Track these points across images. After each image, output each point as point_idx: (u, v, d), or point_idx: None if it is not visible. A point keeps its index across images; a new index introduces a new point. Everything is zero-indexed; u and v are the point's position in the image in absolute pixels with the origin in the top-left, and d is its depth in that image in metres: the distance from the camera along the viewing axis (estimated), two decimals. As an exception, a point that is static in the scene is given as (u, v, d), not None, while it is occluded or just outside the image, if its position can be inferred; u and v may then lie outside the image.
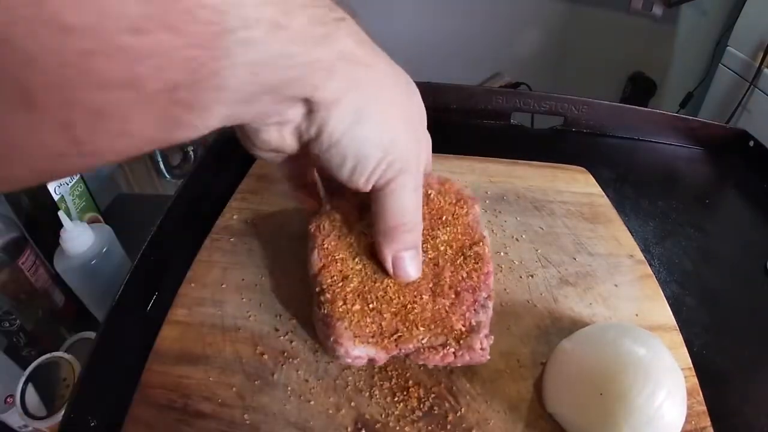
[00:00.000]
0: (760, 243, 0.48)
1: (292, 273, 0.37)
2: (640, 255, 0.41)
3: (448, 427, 0.29)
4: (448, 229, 0.34)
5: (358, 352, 0.28)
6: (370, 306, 0.30)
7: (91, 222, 0.66)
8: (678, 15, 1.17)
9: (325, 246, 0.32)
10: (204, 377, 0.31)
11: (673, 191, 0.54)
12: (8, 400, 0.51)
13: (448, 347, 0.29)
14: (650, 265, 0.41)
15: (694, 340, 0.37)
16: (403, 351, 0.29)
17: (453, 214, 0.34)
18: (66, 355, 0.50)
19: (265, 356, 0.32)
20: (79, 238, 0.50)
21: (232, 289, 0.36)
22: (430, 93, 0.61)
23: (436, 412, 0.30)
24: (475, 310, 0.31)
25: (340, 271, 0.31)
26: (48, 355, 0.50)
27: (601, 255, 0.41)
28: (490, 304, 0.31)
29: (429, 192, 0.35)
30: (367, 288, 0.30)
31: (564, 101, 0.59)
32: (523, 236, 0.42)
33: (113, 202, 0.82)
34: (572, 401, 0.28)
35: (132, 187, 1.07)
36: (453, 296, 0.31)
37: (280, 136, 0.25)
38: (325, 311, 0.29)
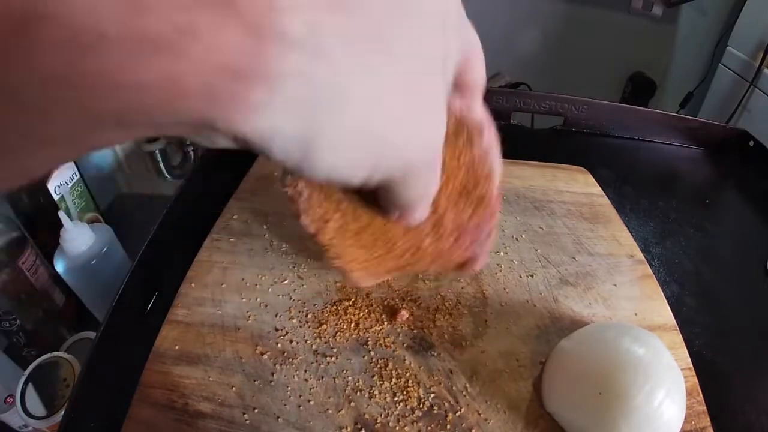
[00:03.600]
0: (760, 243, 0.48)
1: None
2: (640, 255, 0.41)
3: (448, 426, 0.29)
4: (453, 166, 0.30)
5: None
6: (374, 254, 0.30)
7: (91, 222, 0.66)
8: (678, 15, 1.17)
9: (311, 206, 0.29)
10: (204, 377, 0.31)
11: (673, 191, 0.54)
12: (8, 400, 0.51)
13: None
14: (650, 265, 0.41)
15: (694, 340, 0.37)
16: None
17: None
18: (66, 355, 0.50)
19: (265, 356, 0.32)
20: (79, 238, 0.50)
21: (232, 289, 0.36)
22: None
23: (435, 411, 0.30)
24: (475, 245, 0.30)
25: (336, 227, 0.29)
26: (48, 355, 0.50)
27: (601, 255, 0.41)
28: (492, 234, 0.31)
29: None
30: (365, 235, 0.29)
31: (564, 101, 0.59)
32: (523, 236, 0.42)
33: (113, 202, 0.82)
34: (571, 400, 0.28)
35: (132, 187, 1.07)
36: (453, 240, 0.30)
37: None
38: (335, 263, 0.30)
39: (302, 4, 0.14)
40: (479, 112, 0.28)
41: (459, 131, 0.28)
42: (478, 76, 0.24)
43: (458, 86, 0.24)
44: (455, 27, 0.20)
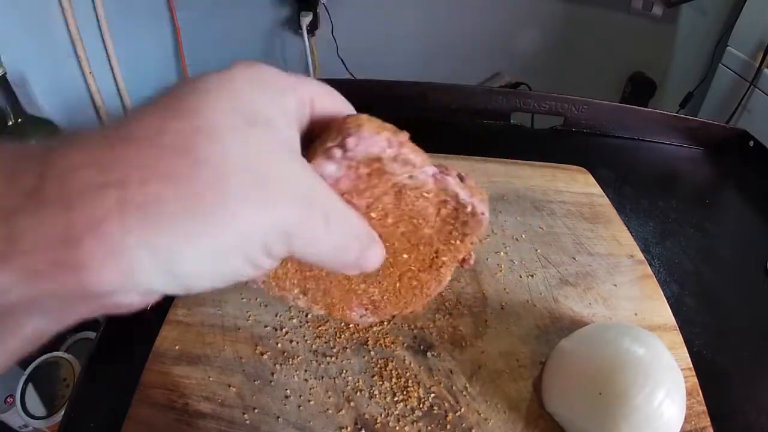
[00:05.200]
0: (760, 243, 0.48)
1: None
2: (640, 255, 0.41)
3: (448, 426, 0.29)
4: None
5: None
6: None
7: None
8: (678, 15, 1.17)
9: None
10: (204, 377, 0.31)
11: (673, 191, 0.54)
12: (8, 400, 0.51)
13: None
14: (650, 265, 0.41)
15: (694, 340, 0.37)
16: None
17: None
18: (66, 355, 0.50)
19: (265, 356, 0.32)
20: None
21: (232, 289, 0.36)
22: (430, 93, 0.62)
23: (435, 411, 0.30)
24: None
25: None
26: (48, 355, 0.50)
27: (601, 255, 0.41)
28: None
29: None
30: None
31: (564, 101, 0.59)
32: (523, 236, 0.42)
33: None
34: (571, 401, 0.28)
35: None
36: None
37: None
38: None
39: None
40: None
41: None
42: (337, 106, 0.23)
43: (324, 125, 0.23)
44: (279, 84, 0.20)
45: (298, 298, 0.30)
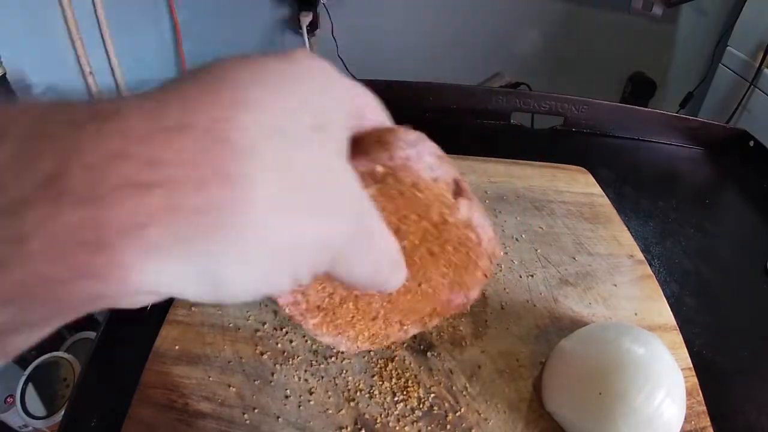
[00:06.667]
0: (760, 243, 0.48)
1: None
2: (640, 255, 0.41)
3: (448, 426, 0.29)
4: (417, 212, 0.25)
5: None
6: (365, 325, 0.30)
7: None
8: (678, 15, 1.17)
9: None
10: (204, 377, 0.31)
11: (673, 191, 0.54)
12: (8, 400, 0.51)
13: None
14: (650, 265, 0.41)
15: (694, 340, 0.37)
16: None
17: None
18: (66, 355, 0.50)
19: (265, 356, 0.32)
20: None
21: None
22: (430, 93, 0.62)
23: (435, 411, 0.30)
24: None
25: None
26: (48, 355, 0.50)
27: (601, 255, 0.41)
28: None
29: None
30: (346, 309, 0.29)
31: (564, 101, 0.59)
32: (523, 236, 0.42)
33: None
34: (571, 401, 0.28)
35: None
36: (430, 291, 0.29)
37: None
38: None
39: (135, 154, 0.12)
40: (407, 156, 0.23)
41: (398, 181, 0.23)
42: (380, 120, 0.22)
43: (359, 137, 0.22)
44: (340, 87, 0.18)
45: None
